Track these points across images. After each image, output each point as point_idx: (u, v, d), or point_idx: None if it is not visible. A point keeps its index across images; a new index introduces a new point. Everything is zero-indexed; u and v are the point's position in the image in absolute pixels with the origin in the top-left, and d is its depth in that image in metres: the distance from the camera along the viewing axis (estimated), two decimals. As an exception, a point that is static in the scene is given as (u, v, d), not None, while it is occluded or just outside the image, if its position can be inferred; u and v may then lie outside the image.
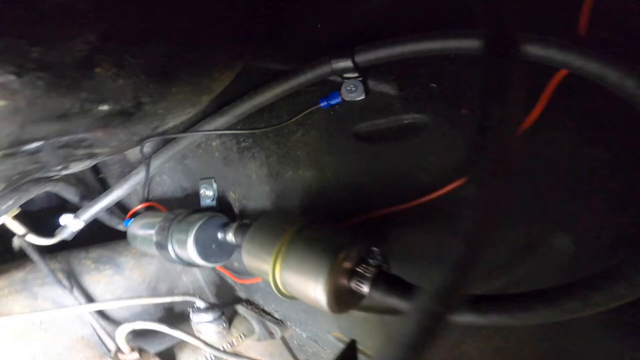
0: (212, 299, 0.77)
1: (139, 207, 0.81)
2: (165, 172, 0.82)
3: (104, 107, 0.49)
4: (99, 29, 0.36)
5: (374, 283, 0.40)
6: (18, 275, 0.63)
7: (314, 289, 0.41)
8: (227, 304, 0.73)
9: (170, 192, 0.83)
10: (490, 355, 0.51)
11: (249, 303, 0.74)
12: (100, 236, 0.84)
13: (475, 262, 0.22)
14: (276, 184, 0.64)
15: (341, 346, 0.63)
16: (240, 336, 0.69)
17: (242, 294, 0.75)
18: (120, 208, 0.86)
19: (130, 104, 0.49)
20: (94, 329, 0.62)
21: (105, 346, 0.63)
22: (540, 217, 0.43)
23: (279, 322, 0.71)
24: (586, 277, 0.32)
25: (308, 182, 0.60)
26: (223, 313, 0.66)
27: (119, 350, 0.60)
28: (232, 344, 0.68)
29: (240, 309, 0.72)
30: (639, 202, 0.38)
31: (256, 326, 0.71)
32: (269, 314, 0.72)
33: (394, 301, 0.39)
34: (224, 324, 0.65)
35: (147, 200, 0.82)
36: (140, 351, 0.60)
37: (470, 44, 0.41)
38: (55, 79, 0.39)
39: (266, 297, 0.72)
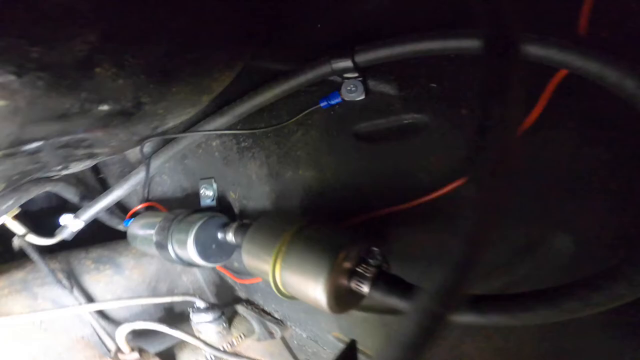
0: (212, 299, 0.77)
1: (139, 207, 0.81)
2: (165, 172, 0.82)
3: (104, 107, 0.49)
4: (99, 29, 0.36)
5: (374, 283, 0.40)
6: (18, 275, 0.63)
7: (314, 289, 0.41)
8: (227, 304, 0.73)
9: (170, 192, 0.83)
10: (490, 355, 0.51)
11: (249, 303, 0.74)
12: (100, 236, 0.84)
13: (476, 262, 0.22)
14: (276, 184, 0.64)
15: (341, 346, 0.63)
16: (240, 336, 0.69)
17: (242, 294, 0.75)
18: (120, 208, 0.86)
19: (130, 104, 0.49)
20: (94, 329, 0.62)
21: (105, 346, 0.63)
22: (540, 217, 0.43)
23: (279, 322, 0.71)
24: (586, 277, 0.32)
25: (308, 182, 0.60)
26: (223, 313, 0.66)
27: (119, 350, 0.59)
28: (232, 344, 0.68)
29: (240, 309, 0.72)
30: (639, 202, 0.38)
31: (256, 326, 0.71)
32: (269, 314, 0.72)
33: (394, 301, 0.39)
34: (224, 324, 0.65)
35: (147, 200, 0.81)
36: (140, 351, 0.60)
37: (470, 44, 0.41)
38: (55, 79, 0.39)
39: (266, 297, 0.72)
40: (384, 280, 0.40)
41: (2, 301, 0.58)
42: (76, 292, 0.64)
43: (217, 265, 0.72)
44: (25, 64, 0.35)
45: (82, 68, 0.40)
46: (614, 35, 0.35)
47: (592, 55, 0.32)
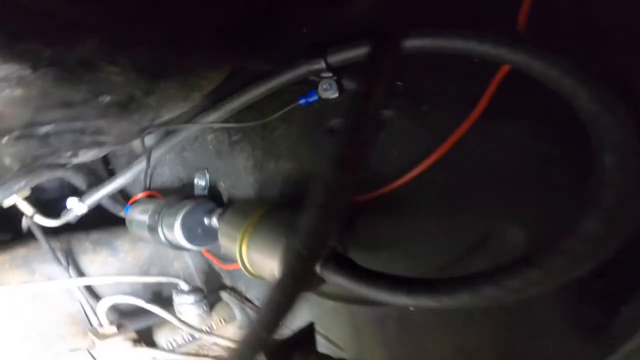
0: (200, 285, 0.81)
1: (140, 195, 0.87)
2: (165, 164, 0.88)
3: (102, 98, 0.55)
4: (99, 36, 0.43)
5: (325, 263, 0.43)
6: (21, 251, 0.69)
7: (272, 268, 0.44)
8: (213, 290, 0.77)
9: (169, 182, 0.89)
10: (450, 353, 0.52)
11: (232, 290, 0.77)
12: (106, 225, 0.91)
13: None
14: (260, 174, 0.69)
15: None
16: (221, 321, 0.72)
17: (227, 282, 0.79)
18: (125, 198, 0.93)
19: (124, 96, 0.56)
20: (82, 306, 0.68)
21: (90, 323, 0.68)
22: (494, 211, 0.45)
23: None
24: (507, 264, 0.33)
25: (287, 173, 0.64)
26: (205, 297, 0.70)
27: (100, 324, 0.64)
28: (211, 327, 0.71)
29: (224, 295, 0.76)
30: (585, 195, 0.39)
31: (237, 313, 0.74)
32: (250, 301, 0.75)
33: (340, 280, 0.41)
34: (205, 307, 0.69)
35: (148, 189, 0.88)
36: (119, 326, 0.65)
37: (421, 43, 0.43)
38: (62, 73, 0.47)
39: (248, 285, 0.75)
40: (334, 261, 0.42)
41: (2, 274, 0.65)
42: (71, 270, 0.69)
43: (204, 250, 0.76)
44: (39, 62, 0.43)
45: (84, 66, 0.47)
46: (555, 30, 0.37)
47: (520, 47, 0.34)
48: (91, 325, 0.66)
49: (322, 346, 0.64)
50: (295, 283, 0.24)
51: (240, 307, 0.74)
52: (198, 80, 0.58)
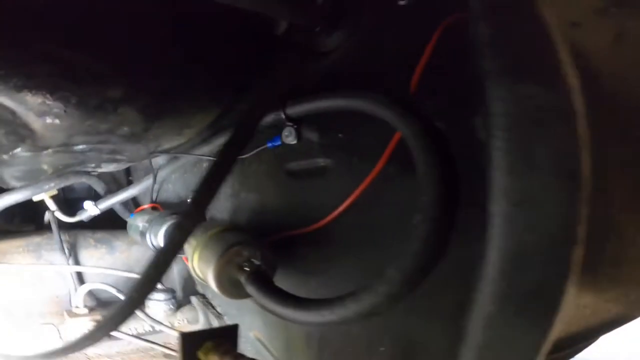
0: (178, 288, 0.93)
1: (146, 206, 1.03)
2: (170, 182, 1.04)
3: (113, 132, 0.72)
4: (108, 89, 0.60)
5: (248, 279, 0.53)
6: (35, 239, 0.86)
7: (208, 274, 0.55)
8: (187, 294, 0.88)
9: (171, 198, 1.04)
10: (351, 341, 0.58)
11: (202, 296, 0.88)
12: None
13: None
14: (234, 202, 0.81)
15: (258, 345, 0.74)
16: (184, 320, 0.83)
17: (199, 289, 0.90)
18: (136, 205, 1.09)
19: (127, 131, 0.72)
20: (69, 292, 0.82)
21: (71, 306, 0.82)
22: (390, 250, 0.53)
23: (219, 316, 0.83)
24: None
25: (253, 204, 0.76)
26: (174, 297, 0.81)
27: (76, 307, 0.78)
28: (172, 325, 0.82)
29: (193, 299, 0.87)
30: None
31: (201, 317, 0.84)
32: (214, 307, 0.85)
33: (255, 295, 0.51)
34: (172, 306, 0.80)
35: (154, 202, 1.03)
36: (91, 309, 0.78)
37: (355, 103, 0.54)
38: (84, 113, 0.65)
39: (214, 293, 0.86)
40: (255, 278, 0.52)
41: (15, 255, 0.81)
42: (71, 260, 0.84)
43: (184, 257, 0.89)
44: (68, 104, 0.61)
45: (99, 109, 0.65)
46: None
47: (377, 102, 0.44)
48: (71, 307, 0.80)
49: (262, 354, 0.73)
50: (172, 246, 0.35)
51: (204, 311, 0.84)
52: (188, 121, 0.73)
